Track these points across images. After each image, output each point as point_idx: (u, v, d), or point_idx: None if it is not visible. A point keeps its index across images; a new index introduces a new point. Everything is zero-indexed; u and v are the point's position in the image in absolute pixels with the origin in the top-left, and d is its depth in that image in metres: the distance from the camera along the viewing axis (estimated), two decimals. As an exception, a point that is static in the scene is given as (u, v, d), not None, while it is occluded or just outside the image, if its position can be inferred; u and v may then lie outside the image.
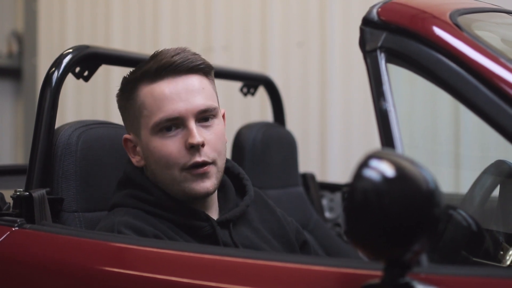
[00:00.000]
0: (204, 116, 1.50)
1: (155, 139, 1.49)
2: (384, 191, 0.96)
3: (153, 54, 1.55)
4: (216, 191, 1.58)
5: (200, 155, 1.47)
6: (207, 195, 1.51)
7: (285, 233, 1.68)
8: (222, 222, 1.54)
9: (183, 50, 1.53)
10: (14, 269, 1.48)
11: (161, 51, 1.53)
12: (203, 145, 1.47)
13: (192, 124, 1.47)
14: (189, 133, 1.47)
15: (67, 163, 1.63)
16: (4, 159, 5.08)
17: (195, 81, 1.51)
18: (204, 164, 1.48)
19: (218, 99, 1.58)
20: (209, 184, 1.49)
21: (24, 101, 5.06)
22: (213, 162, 1.50)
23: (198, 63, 1.52)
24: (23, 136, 5.05)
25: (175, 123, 1.48)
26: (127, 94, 1.55)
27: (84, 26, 4.64)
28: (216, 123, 1.53)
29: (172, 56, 1.50)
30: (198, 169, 1.48)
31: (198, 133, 1.47)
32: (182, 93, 1.49)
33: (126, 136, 1.58)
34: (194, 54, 1.54)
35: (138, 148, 1.55)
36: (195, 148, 1.47)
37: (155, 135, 1.49)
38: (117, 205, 1.54)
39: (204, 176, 1.48)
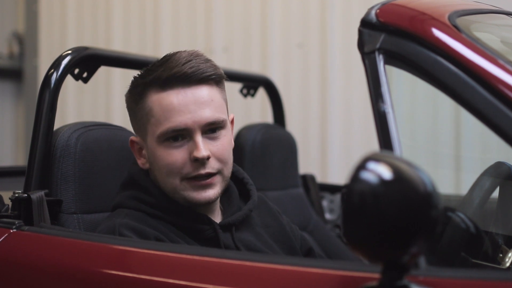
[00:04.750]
0: (211, 128, 1.50)
1: (160, 148, 1.49)
2: (381, 193, 0.96)
3: (165, 57, 1.52)
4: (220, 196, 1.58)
5: (204, 168, 1.47)
6: (207, 203, 1.51)
7: (288, 239, 1.68)
8: (225, 226, 1.54)
9: (196, 55, 1.50)
10: (12, 271, 1.48)
11: (173, 57, 1.50)
12: (208, 158, 1.47)
13: (198, 137, 1.47)
14: (194, 146, 1.47)
15: (66, 165, 1.62)
16: (5, 161, 5.08)
17: (204, 92, 1.49)
18: (208, 176, 1.48)
19: (227, 107, 1.57)
20: (211, 193, 1.50)
21: (25, 102, 5.06)
22: (218, 172, 1.50)
23: (208, 73, 1.49)
24: (24, 137, 5.05)
25: (181, 134, 1.48)
26: (136, 97, 1.54)
27: (85, 27, 4.64)
28: (223, 134, 1.52)
29: (183, 64, 1.47)
30: (200, 181, 1.48)
31: (203, 146, 1.46)
32: (191, 105, 1.47)
33: (133, 138, 1.58)
34: (207, 61, 1.51)
35: (144, 151, 1.56)
36: (199, 162, 1.47)
37: (160, 144, 1.49)
38: (119, 206, 1.55)
39: (206, 186, 1.49)
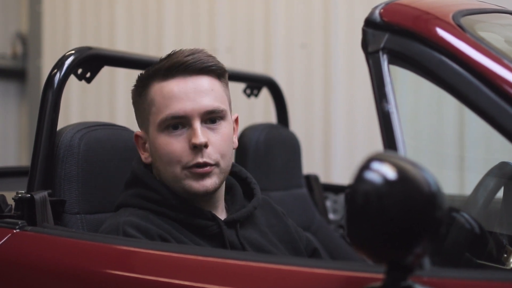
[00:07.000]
0: (211, 117, 1.51)
1: (161, 136, 1.50)
2: (385, 194, 0.95)
3: (170, 53, 1.56)
4: (223, 193, 1.59)
5: (202, 156, 1.48)
6: (206, 193, 1.51)
7: (293, 239, 1.68)
8: (229, 222, 1.54)
9: (199, 51, 1.54)
10: (15, 271, 1.48)
11: (177, 51, 1.54)
12: (206, 146, 1.48)
13: (197, 124, 1.48)
14: (193, 132, 1.48)
15: (69, 165, 1.62)
16: (9, 161, 5.09)
17: (204, 82, 1.52)
18: (205, 165, 1.48)
19: (230, 103, 1.58)
20: (209, 182, 1.49)
21: (28, 103, 5.06)
22: (216, 164, 1.50)
23: (209, 64, 1.52)
24: (28, 138, 5.05)
25: (181, 122, 1.49)
26: (139, 90, 1.57)
27: (88, 28, 4.65)
28: (223, 126, 1.53)
29: (185, 56, 1.51)
30: (198, 169, 1.48)
31: (202, 134, 1.47)
32: (191, 92, 1.50)
33: (137, 132, 1.60)
34: (209, 56, 1.55)
35: (147, 145, 1.57)
36: (198, 148, 1.47)
37: (161, 132, 1.50)
38: (123, 205, 1.55)
39: (205, 175, 1.49)
